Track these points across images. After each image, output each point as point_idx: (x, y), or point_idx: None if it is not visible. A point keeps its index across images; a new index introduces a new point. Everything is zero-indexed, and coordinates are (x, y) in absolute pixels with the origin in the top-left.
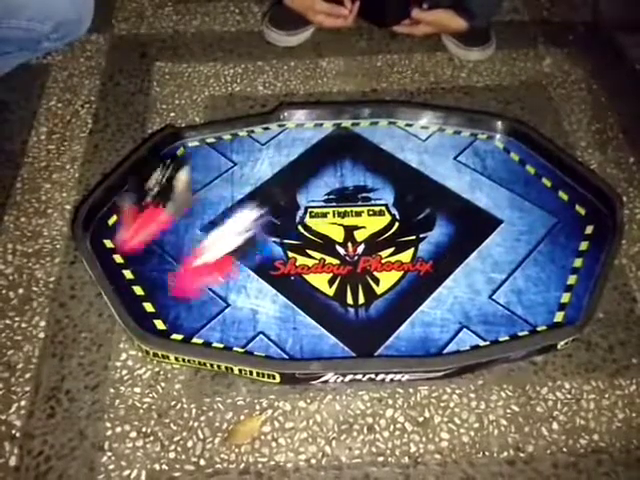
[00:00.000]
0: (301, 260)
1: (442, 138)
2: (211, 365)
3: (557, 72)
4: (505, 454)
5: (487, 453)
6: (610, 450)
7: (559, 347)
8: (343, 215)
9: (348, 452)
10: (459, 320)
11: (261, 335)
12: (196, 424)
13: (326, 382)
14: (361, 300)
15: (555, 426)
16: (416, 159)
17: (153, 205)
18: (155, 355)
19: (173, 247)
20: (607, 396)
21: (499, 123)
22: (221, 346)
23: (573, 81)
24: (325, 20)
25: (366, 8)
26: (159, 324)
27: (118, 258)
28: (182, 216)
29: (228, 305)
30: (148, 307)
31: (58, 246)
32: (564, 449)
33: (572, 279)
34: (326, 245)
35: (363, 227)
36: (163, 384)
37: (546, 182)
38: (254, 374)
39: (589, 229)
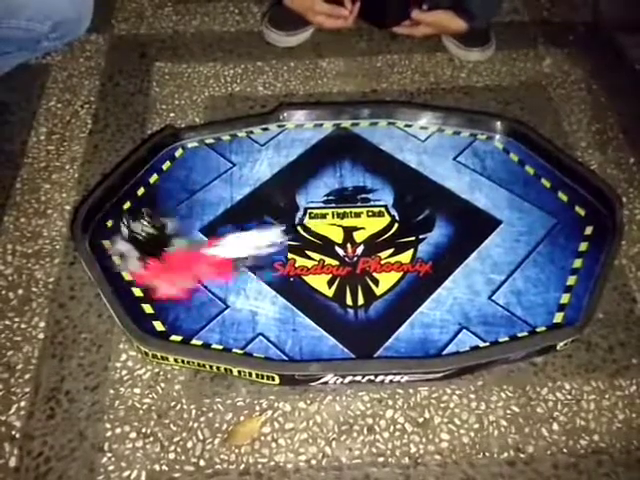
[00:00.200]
0: (300, 261)
1: (441, 138)
2: (210, 366)
3: (557, 72)
4: (505, 455)
5: (487, 454)
6: (610, 451)
7: (559, 348)
8: (342, 216)
9: (348, 453)
10: (459, 321)
11: (260, 336)
12: (196, 425)
13: (326, 383)
14: (360, 301)
15: (555, 427)
16: (415, 160)
17: (155, 258)
18: (154, 356)
19: None
20: (607, 397)
21: (498, 123)
22: (220, 347)
23: (573, 81)
24: (325, 21)
25: (366, 9)
26: (158, 325)
27: (117, 259)
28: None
29: (227, 306)
30: (147, 308)
31: (58, 247)
32: (564, 450)
33: (572, 280)
34: (325, 246)
35: (362, 228)
36: (163, 385)
37: (545, 183)
38: (253, 375)
39: (589, 230)
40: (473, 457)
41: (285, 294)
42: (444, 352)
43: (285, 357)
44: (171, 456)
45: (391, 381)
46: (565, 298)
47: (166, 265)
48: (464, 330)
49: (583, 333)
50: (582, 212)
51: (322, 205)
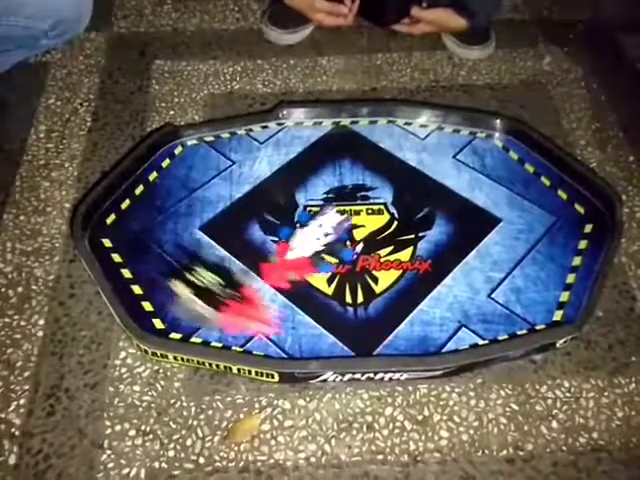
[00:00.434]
0: None
1: (441, 137)
2: (210, 364)
3: (557, 71)
4: (504, 452)
5: (486, 451)
6: (609, 448)
7: (558, 346)
8: (342, 214)
9: (347, 450)
10: (458, 319)
11: (260, 334)
12: (195, 422)
13: (325, 381)
14: (360, 299)
15: (554, 424)
16: (415, 158)
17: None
18: (154, 354)
19: (172, 246)
20: (606, 394)
21: (498, 122)
22: (220, 345)
23: (573, 80)
24: (325, 19)
25: (366, 7)
26: (158, 323)
27: (117, 257)
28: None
29: None
30: (147, 306)
31: (57, 244)
32: (563, 447)
33: (571, 278)
34: None
35: (362, 226)
36: (162, 382)
37: (545, 181)
38: (253, 373)
39: (588, 228)
40: (472, 455)
41: (284, 292)
42: (443, 350)
43: (284, 355)
44: (171, 454)
45: (390, 379)
46: (564, 296)
47: (247, 302)
48: (463, 328)
49: (582, 331)
50: (582, 210)
51: (321, 203)
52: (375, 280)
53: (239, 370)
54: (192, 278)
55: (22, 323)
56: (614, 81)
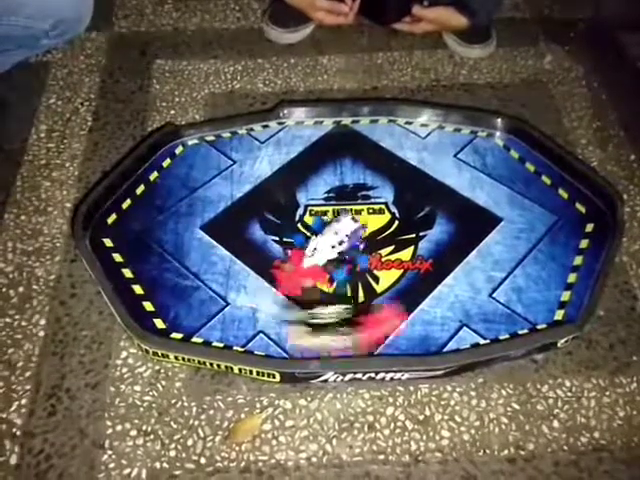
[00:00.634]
0: None
1: (442, 136)
2: (211, 364)
3: (558, 70)
4: (506, 452)
5: (488, 451)
6: (611, 448)
7: (559, 345)
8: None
9: (349, 450)
10: (459, 318)
11: (261, 334)
12: (196, 422)
13: (326, 381)
14: (361, 298)
15: (556, 424)
16: (416, 157)
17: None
18: (155, 354)
19: (172, 246)
20: (608, 394)
21: (499, 120)
22: (221, 345)
23: (574, 79)
24: (325, 17)
25: (366, 5)
26: (159, 323)
27: (118, 257)
28: None
29: (228, 304)
30: (148, 306)
31: (58, 244)
32: (565, 447)
33: (572, 277)
34: None
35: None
36: (163, 382)
37: (546, 180)
38: (254, 373)
39: (589, 227)
40: (474, 454)
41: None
42: (445, 349)
43: (286, 355)
44: (172, 454)
45: (392, 378)
46: (566, 295)
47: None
48: (465, 327)
49: (584, 330)
50: (583, 209)
51: (322, 202)
52: (376, 279)
53: (240, 370)
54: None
55: (23, 323)
56: (615, 80)
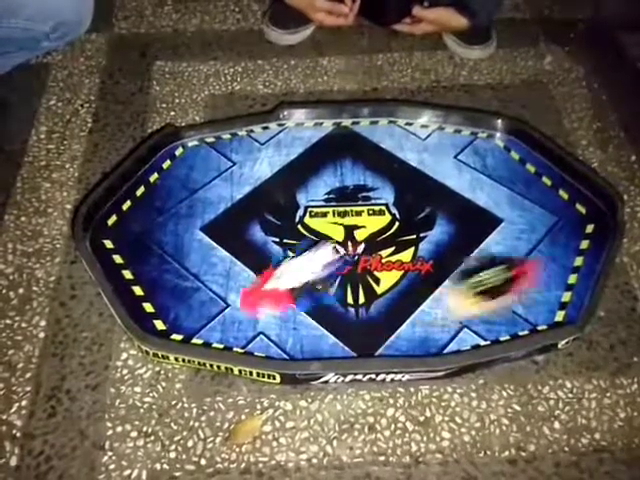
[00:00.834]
0: None
1: (442, 137)
2: (211, 365)
3: (558, 70)
4: (506, 453)
5: (488, 452)
6: (612, 449)
7: (560, 346)
8: (343, 214)
9: (349, 451)
10: (460, 320)
11: (261, 335)
12: (197, 424)
13: (327, 382)
14: (361, 300)
15: (557, 425)
16: (416, 158)
17: None
18: (155, 355)
19: (173, 247)
20: (609, 395)
21: (499, 121)
22: (221, 346)
23: (574, 79)
24: (326, 18)
25: (366, 6)
26: (159, 324)
27: (118, 258)
28: None
29: (228, 305)
30: (148, 307)
31: (58, 245)
32: (566, 448)
33: (573, 278)
34: None
35: (363, 226)
36: (164, 384)
37: (546, 181)
38: (254, 374)
39: (590, 228)
40: (474, 456)
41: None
42: (445, 351)
43: (286, 356)
44: (172, 455)
45: (392, 380)
46: (566, 296)
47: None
48: (465, 329)
49: (584, 331)
50: (583, 210)
51: (323, 204)
52: (377, 281)
53: (240, 371)
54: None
55: (23, 324)
56: (615, 80)
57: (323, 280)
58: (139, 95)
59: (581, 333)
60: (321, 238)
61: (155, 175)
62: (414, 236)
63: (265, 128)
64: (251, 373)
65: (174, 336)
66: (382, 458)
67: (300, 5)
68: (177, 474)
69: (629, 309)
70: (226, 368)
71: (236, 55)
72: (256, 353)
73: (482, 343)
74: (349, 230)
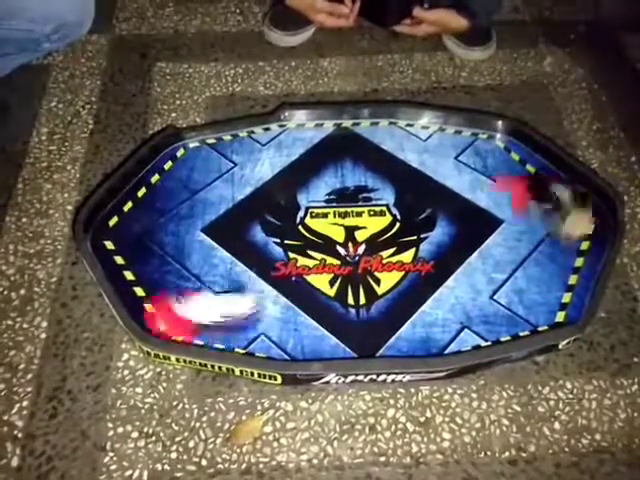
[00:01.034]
0: (302, 261)
1: (443, 138)
2: (212, 366)
3: (558, 71)
4: (507, 454)
5: (489, 453)
6: (612, 450)
7: (560, 347)
8: (344, 215)
9: (350, 452)
10: (460, 320)
11: (262, 336)
12: (198, 424)
13: (327, 383)
14: (362, 300)
15: (557, 426)
16: (417, 159)
17: None
18: (156, 356)
19: (174, 248)
20: (609, 396)
21: (500, 123)
22: (222, 347)
23: (574, 80)
24: (326, 20)
25: (367, 7)
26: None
27: (119, 259)
28: None
29: None
30: (149, 308)
31: (59, 247)
32: (566, 449)
33: (573, 279)
34: (327, 245)
35: (364, 227)
36: (165, 384)
37: None
38: (255, 375)
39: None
40: (475, 456)
41: (287, 294)
42: (446, 351)
43: (287, 357)
44: (173, 455)
45: (393, 380)
46: (567, 297)
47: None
48: (466, 329)
49: (585, 332)
50: None
51: (323, 204)
52: (377, 281)
53: (241, 372)
54: None
55: (25, 325)
56: (615, 81)
57: (226, 329)
58: (140, 96)
59: (581, 334)
60: (322, 239)
61: (156, 176)
62: (415, 237)
63: (266, 129)
64: (252, 374)
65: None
66: (383, 459)
67: (300, 7)
68: (178, 475)
69: (629, 310)
70: (227, 369)
71: (237, 56)
72: (257, 354)
73: (483, 344)
74: (350, 231)
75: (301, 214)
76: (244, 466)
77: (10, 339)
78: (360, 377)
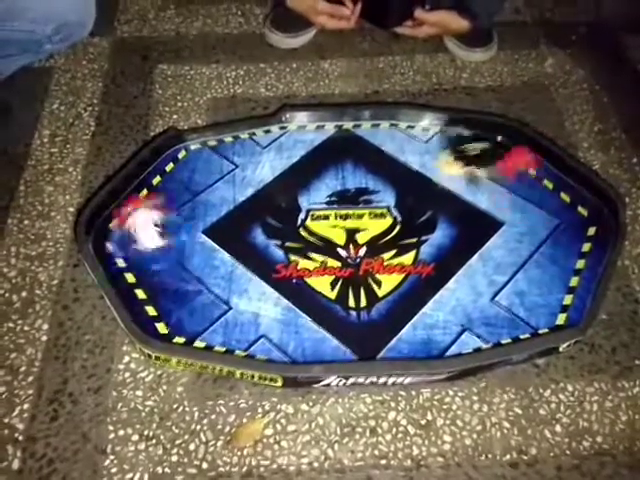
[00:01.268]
0: (303, 263)
1: (444, 140)
2: (213, 368)
3: (559, 72)
4: (508, 457)
5: (490, 456)
6: (614, 452)
7: (561, 349)
8: (345, 217)
9: (351, 455)
10: (461, 322)
11: (263, 338)
12: (198, 427)
13: (328, 385)
14: (363, 303)
15: (558, 428)
16: (417, 161)
17: None
18: (157, 358)
19: (175, 250)
20: (610, 398)
21: (501, 124)
22: (223, 349)
23: (575, 82)
24: (327, 22)
25: (368, 9)
26: (161, 328)
27: (120, 262)
28: None
29: (230, 308)
30: (150, 311)
31: (61, 249)
32: (567, 451)
33: (574, 281)
34: (328, 248)
35: (365, 229)
36: (165, 387)
37: (548, 183)
38: (256, 377)
39: (591, 230)
40: (476, 459)
41: (288, 296)
42: (447, 354)
43: (288, 359)
44: (174, 458)
45: (394, 383)
46: (568, 299)
47: None
48: (467, 331)
49: (586, 334)
50: (585, 213)
51: (324, 206)
52: (378, 284)
53: (242, 374)
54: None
55: (26, 328)
56: (616, 82)
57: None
58: (142, 98)
59: (583, 336)
60: (323, 241)
61: (157, 178)
62: (415, 239)
63: (267, 131)
64: (253, 376)
65: (176, 339)
66: (383, 462)
67: (301, 8)
68: (179, 477)
69: (631, 312)
70: (228, 371)
71: (238, 58)
72: (258, 356)
73: (484, 346)
74: (351, 233)
75: (302, 216)
76: (245, 469)
77: (11, 341)
78: (361, 379)
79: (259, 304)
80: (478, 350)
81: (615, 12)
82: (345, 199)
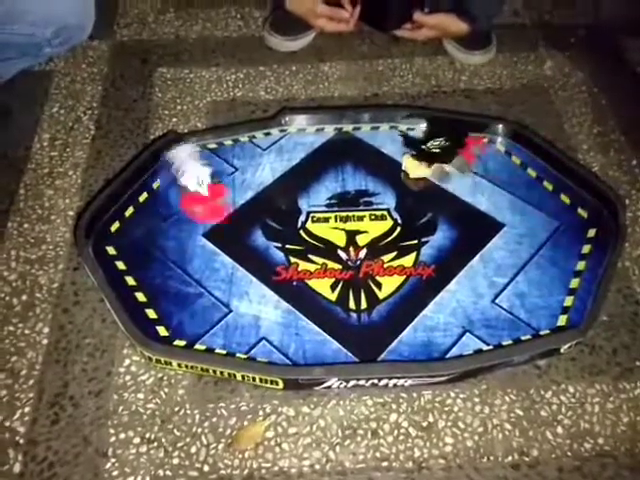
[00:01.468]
0: (303, 265)
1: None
2: (214, 371)
3: (558, 75)
4: (509, 458)
5: (491, 457)
6: (615, 454)
7: (562, 351)
8: (345, 220)
9: (352, 457)
10: (462, 324)
11: (264, 341)
12: (200, 430)
13: (329, 387)
14: (363, 305)
15: (559, 430)
16: None
17: None
18: (158, 361)
19: (175, 253)
20: (611, 399)
21: (500, 126)
22: (224, 352)
23: (574, 84)
24: (326, 25)
25: (367, 12)
26: (162, 330)
27: (120, 264)
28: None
29: (230, 311)
30: (151, 313)
31: (61, 252)
32: (569, 453)
33: (575, 282)
34: (328, 250)
35: (365, 231)
36: (166, 390)
37: (547, 185)
38: (257, 380)
39: (591, 232)
40: (477, 461)
41: (288, 298)
42: (448, 355)
43: (288, 361)
44: (175, 461)
45: (395, 385)
46: (569, 301)
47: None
48: (467, 333)
49: (587, 336)
50: (585, 214)
51: (324, 209)
52: (379, 286)
53: (243, 377)
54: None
55: (26, 331)
56: (615, 85)
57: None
58: (141, 102)
59: (583, 337)
60: (324, 243)
61: (158, 182)
62: (416, 241)
63: (267, 134)
64: (254, 379)
65: (177, 342)
66: (385, 464)
67: (301, 11)
68: None
69: (631, 313)
70: (229, 374)
71: (238, 61)
72: (259, 359)
73: (484, 348)
74: (351, 235)
75: (302, 218)
76: (246, 472)
77: (12, 345)
78: (362, 382)
79: (259, 307)
80: (479, 352)
81: (614, 14)
82: (345, 201)
